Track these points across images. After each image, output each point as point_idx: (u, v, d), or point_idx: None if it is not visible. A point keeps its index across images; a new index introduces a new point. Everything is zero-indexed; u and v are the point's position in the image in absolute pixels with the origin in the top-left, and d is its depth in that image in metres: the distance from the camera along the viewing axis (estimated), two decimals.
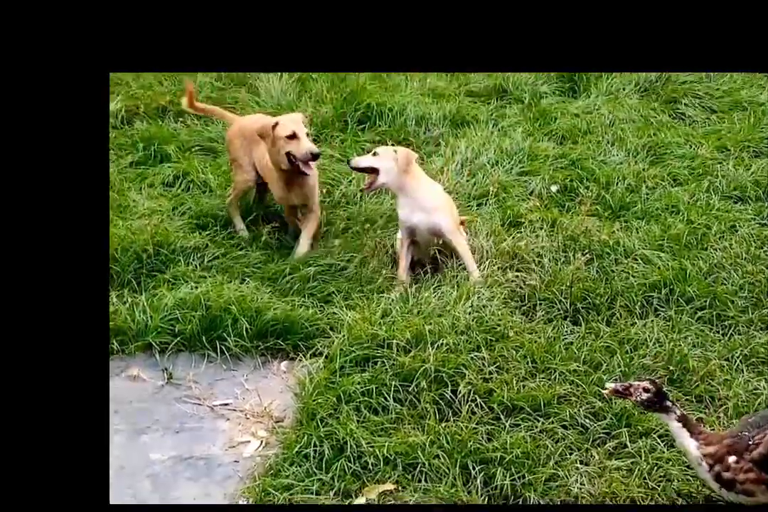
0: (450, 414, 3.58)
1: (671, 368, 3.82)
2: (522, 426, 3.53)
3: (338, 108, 6.20)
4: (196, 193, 5.39)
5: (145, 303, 4.19)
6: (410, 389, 3.66)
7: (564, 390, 3.67)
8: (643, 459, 3.38)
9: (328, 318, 4.17)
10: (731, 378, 3.80)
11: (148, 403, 3.85)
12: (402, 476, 3.34)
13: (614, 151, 5.80)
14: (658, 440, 3.46)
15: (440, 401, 3.61)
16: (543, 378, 3.75)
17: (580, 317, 4.17)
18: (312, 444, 3.45)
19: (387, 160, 4.46)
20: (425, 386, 3.64)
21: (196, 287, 4.30)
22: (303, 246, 4.74)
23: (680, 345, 3.95)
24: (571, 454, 3.43)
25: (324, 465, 3.38)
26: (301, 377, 3.87)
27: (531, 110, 6.43)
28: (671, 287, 4.34)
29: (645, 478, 3.31)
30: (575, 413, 3.57)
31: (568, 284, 4.29)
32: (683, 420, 3.09)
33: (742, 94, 6.67)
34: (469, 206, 5.11)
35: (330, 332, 4.07)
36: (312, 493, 3.28)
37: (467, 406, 3.57)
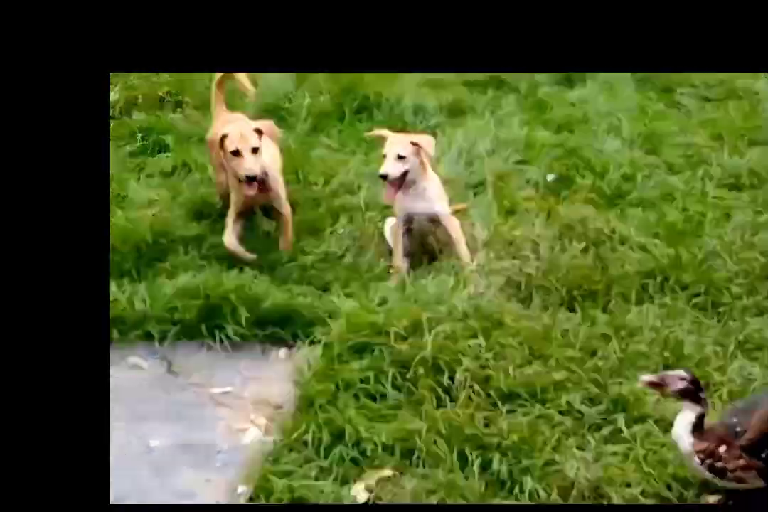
0: (447, 400, 3.60)
1: (666, 354, 3.84)
2: (519, 412, 3.55)
3: (335, 98, 6.20)
4: (195, 181, 5.39)
5: (145, 293, 4.21)
6: (408, 376, 3.68)
7: (560, 376, 3.69)
8: (638, 444, 3.40)
9: (327, 307, 4.18)
10: (726, 364, 3.81)
11: (147, 391, 3.88)
12: (400, 462, 3.36)
13: (610, 140, 5.80)
14: (654, 425, 3.49)
15: (438, 388, 3.63)
16: (540, 364, 3.77)
17: (576, 304, 4.19)
18: (311, 431, 3.47)
19: (412, 157, 4.36)
20: (423, 373, 3.66)
21: (195, 276, 4.32)
22: (285, 242, 4.66)
23: (675, 331, 3.97)
24: (567, 440, 3.44)
25: (323, 452, 3.41)
26: (300, 365, 3.89)
27: (527, 99, 6.44)
28: (666, 274, 4.36)
29: (641, 463, 3.33)
30: (571, 399, 3.59)
31: (564, 272, 4.31)
32: (701, 419, 3.08)
33: (737, 83, 6.66)
34: (465, 195, 5.12)
35: (328, 320, 4.07)
36: (311, 479, 3.30)
37: (464, 393, 3.59)
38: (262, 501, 3.25)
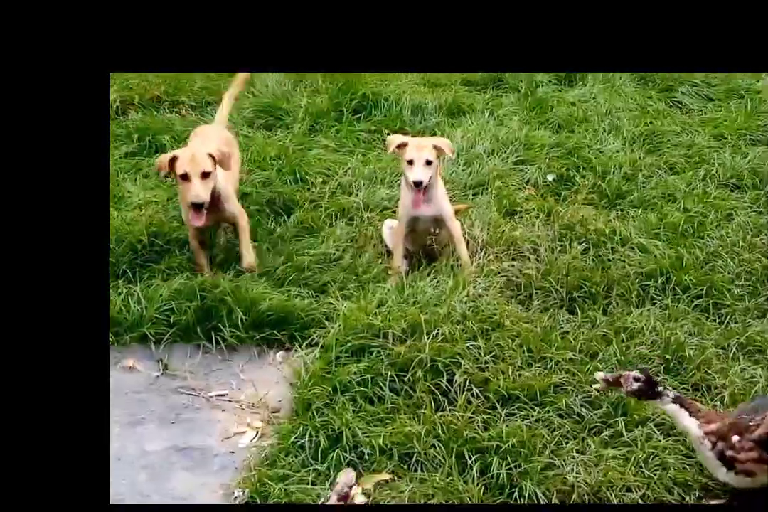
0: (446, 403, 3.57)
1: (667, 357, 3.81)
2: (518, 415, 3.52)
3: (333, 97, 6.17)
4: None
5: (140, 294, 4.18)
6: (406, 379, 3.65)
7: (560, 379, 3.66)
8: (639, 447, 3.38)
9: (324, 309, 4.16)
10: (727, 367, 3.79)
11: (143, 394, 3.85)
12: (398, 466, 3.33)
13: (611, 140, 5.78)
14: (654, 429, 3.46)
15: (436, 390, 3.60)
16: (539, 367, 3.74)
17: (577, 306, 4.16)
18: (308, 435, 3.44)
19: (435, 161, 4.32)
20: (421, 376, 3.64)
21: (191, 278, 4.29)
22: (247, 257, 4.41)
23: (676, 333, 3.93)
24: (567, 443, 3.42)
25: (320, 456, 3.38)
26: (297, 367, 3.86)
27: (527, 99, 6.40)
28: (668, 276, 4.33)
29: (641, 467, 3.30)
30: (571, 402, 3.57)
31: (564, 273, 4.29)
32: (679, 401, 3.09)
33: (738, 82, 6.64)
34: (465, 195, 5.09)
35: (325, 322, 4.06)
36: (308, 484, 3.28)
37: (463, 395, 3.56)
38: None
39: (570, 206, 4.96)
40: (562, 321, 4.05)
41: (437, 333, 3.79)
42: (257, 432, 3.64)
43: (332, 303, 4.16)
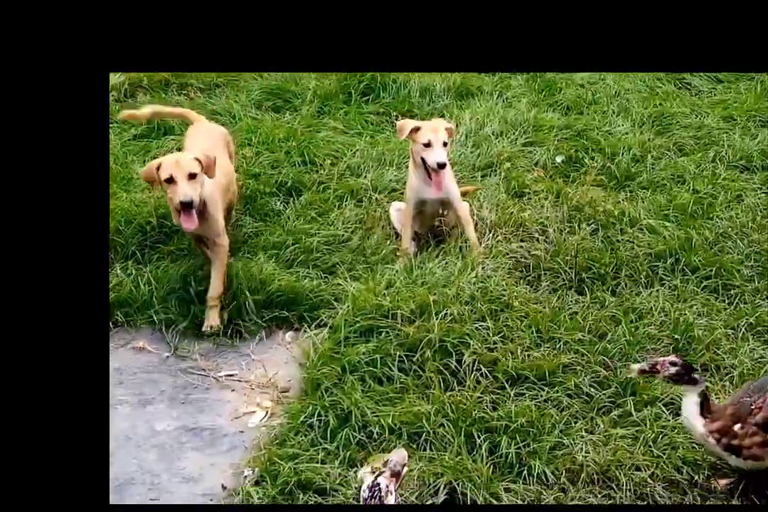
0: (455, 383, 3.59)
1: (676, 337, 3.81)
2: (527, 395, 3.53)
3: (341, 80, 6.15)
4: None
5: (150, 276, 4.19)
6: (415, 359, 3.66)
7: (569, 359, 3.67)
8: (648, 427, 3.39)
9: (333, 290, 4.17)
10: (736, 347, 3.80)
11: (153, 374, 3.87)
12: (407, 445, 3.34)
13: (620, 122, 5.76)
14: (663, 408, 3.47)
15: (445, 371, 3.61)
16: (548, 347, 3.75)
17: (585, 287, 4.16)
18: (317, 414, 3.46)
19: (449, 142, 4.34)
20: (430, 356, 3.65)
21: (200, 259, 4.30)
22: (215, 288, 4.09)
23: (686, 314, 3.94)
24: (575, 423, 3.43)
25: (329, 435, 3.40)
26: (306, 347, 3.88)
27: (536, 81, 6.37)
28: (677, 256, 4.33)
29: (650, 446, 3.32)
30: (580, 382, 3.58)
31: (573, 254, 4.28)
32: (703, 397, 3.09)
33: None
34: (473, 177, 5.08)
35: (334, 303, 4.07)
36: (317, 462, 3.29)
37: (472, 376, 3.57)
38: (268, 484, 3.23)
39: (579, 187, 4.94)
40: (571, 301, 4.05)
41: (446, 314, 3.79)
42: (267, 412, 3.66)
43: (341, 285, 4.17)
